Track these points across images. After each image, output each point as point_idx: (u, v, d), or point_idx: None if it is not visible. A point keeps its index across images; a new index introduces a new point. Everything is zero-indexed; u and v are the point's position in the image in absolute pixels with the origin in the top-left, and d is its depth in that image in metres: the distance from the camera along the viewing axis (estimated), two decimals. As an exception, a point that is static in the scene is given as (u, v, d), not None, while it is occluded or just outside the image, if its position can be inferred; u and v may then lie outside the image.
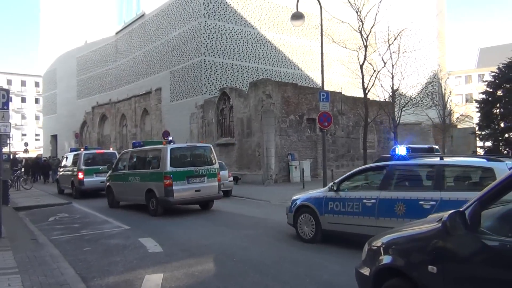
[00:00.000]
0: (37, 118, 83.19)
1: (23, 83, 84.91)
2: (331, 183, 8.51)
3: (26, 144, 45.32)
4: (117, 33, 43.04)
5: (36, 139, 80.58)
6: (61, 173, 21.96)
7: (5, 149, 23.21)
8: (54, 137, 55.41)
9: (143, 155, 14.43)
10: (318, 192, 8.76)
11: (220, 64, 31.18)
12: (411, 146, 7.47)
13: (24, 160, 37.30)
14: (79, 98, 49.59)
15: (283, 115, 24.42)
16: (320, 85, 18.90)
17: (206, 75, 30.47)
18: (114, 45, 43.50)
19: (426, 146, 7.46)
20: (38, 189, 23.91)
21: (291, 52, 36.12)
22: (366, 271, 4.36)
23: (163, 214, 12.92)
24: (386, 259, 4.11)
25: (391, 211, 7.07)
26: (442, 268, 3.52)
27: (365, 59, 21.71)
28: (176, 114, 32.82)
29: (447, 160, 7.08)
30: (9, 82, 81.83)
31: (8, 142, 20.56)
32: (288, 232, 9.73)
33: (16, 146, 72.61)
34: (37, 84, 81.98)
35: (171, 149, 13.00)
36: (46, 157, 41.80)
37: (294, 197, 9.33)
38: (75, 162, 19.80)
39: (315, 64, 36.31)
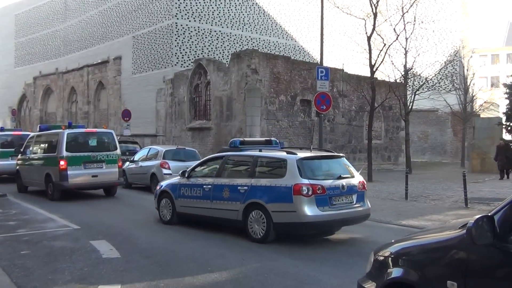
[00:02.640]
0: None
1: None
2: (183, 170, 11.44)
3: (-51, 121, 44.47)
4: (67, -14, 42.27)
5: (-38, 115, 78.97)
6: None
7: None
8: (-15, 114, 54.48)
9: (44, 139, 16.97)
10: (175, 179, 11.66)
11: (195, 30, 30.90)
12: (246, 139, 12.18)
13: None
14: (17, 66, 48.71)
15: (271, 95, 24.39)
16: (318, 59, 18.90)
17: (177, 43, 30.19)
18: (63, 1, 42.72)
19: (263, 139, 12.04)
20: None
21: (283, 18, 35.99)
22: (371, 286, 4.40)
23: (105, 210, 12.89)
24: (395, 272, 4.15)
25: (220, 195, 9.99)
26: (463, 284, 3.56)
27: (373, 29, 21.76)
28: (140, 90, 32.52)
29: (262, 152, 10.09)
30: None
31: None
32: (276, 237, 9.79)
33: None
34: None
35: (68, 133, 15.51)
36: None
37: (160, 183, 12.23)
38: None
39: (313, 34, 36.28)
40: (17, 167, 18.34)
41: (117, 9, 35.68)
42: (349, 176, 9.56)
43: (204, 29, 31.31)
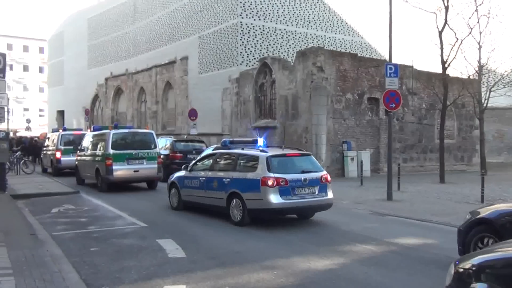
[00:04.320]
0: (41, 90, 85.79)
1: (26, 49, 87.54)
2: (186, 164, 13.89)
3: (28, 121, 46.86)
4: (136, -12, 43.41)
5: (40, 115, 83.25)
6: (44, 153, 27.53)
7: (2, 125, 24.19)
8: (61, 113, 56.98)
9: (96, 138, 19.42)
10: (182, 172, 13.68)
11: (260, 28, 30.87)
12: (235, 139, 14.58)
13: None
14: (90, 68, 50.62)
15: (338, 93, 24.01)
16: (386, 56, 18.38)
17: (242, 42, 30.27)
18: (132, 4, 43.94)
19: (251, 139, 13.75)
20: (42, 175, 24.74)
21: (349, 15, 35.32)
22: (451, 300, 4.08)
23: (184, 211, 13.16)
24: (479, 287, 3.81)
25: (211, 186, 12.12)
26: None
27: (445, 23, 21.00)
28: (206, 89, 32.88)
29: (242, 150, 12.03)
30: (9, 46, 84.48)
31: (6, 117, 21.32)
32: (342, 240, 9.51)
33: (18, 123, 75.44)
34: (41, 50, 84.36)
35: (113, 133, 18.03)
36: (37, 137, 43.00)
37: (171, 175, 14.40)
38: (55, 142, 25.08)
39: (380, 30, 35.40)
40: (76, 162, 21.02)
41: (183, 10, 36.25)
42: (313, 170, 11.38)
43: (269, 27, 31.22)
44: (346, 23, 35.29)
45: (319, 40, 33.23)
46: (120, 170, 17.64)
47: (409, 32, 32.43)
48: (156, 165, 18.34)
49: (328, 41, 33.80)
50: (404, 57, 31.81)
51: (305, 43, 32.25)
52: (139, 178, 18.58)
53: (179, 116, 36.07)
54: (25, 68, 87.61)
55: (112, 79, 46.45)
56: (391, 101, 15.89)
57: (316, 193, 11.11)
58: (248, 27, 30.42)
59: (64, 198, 16.10)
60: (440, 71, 22.31)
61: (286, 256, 8.31)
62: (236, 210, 11.21)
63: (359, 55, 28.01)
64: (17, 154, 25.98)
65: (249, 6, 30.49)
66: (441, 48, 21.20)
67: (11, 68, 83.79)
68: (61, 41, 56.77)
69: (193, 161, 13.91)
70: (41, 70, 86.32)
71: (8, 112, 25.90)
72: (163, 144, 23.02)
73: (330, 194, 11.45)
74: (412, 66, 27.01)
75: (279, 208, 10.74)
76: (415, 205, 14.52)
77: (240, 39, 30.21)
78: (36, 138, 40.26)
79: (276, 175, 10.68)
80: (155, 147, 18.60)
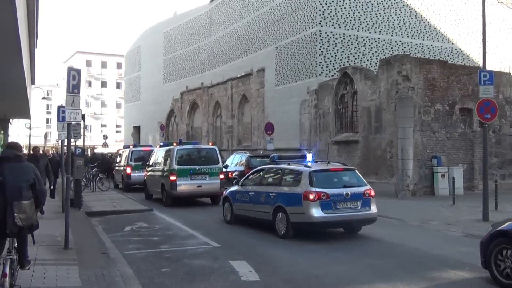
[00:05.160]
0: (118, 106, 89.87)
1: (104, 65, 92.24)
2: (237, 180, 15.48)
3: (105, 137, 49.04)
4: (212, 1, 44.50)
5: (117, 131, 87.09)
6: (116, 169, 29.72)
7: (79, 142, 25.27)
8: (137, 129, 59.21)
9: (162, 154, 20.75)
10: (234, 187, 14.88)
11: (340, 37, 30.59)
12: (284, 155, 16.36)
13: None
14: (166, 82, 52.30)
15: (426, 104, 23.22)
16: (480, 63, 17.61)
17: (322, 51, 30.11)
18: (208, 16, 45.09)
19: (300, 154, 14.86)
20: (116, 191, 25.64)
21: (438, 19, 34.28)
22: None
23: (256, 229, 13.11)
24: None
25: (259, 200, 13.14)
26: None
27: (549, 24, 19.80)
28: (283, 102, 32.94)
29: (288, 166, 13.08)
30: (88, 63, 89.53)
31: (82, 133, 22.34)
32: (432, 265, 9.04)
33: (95, 139, 79.26)
34: (119, 66, 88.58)
35: (177, 149, 19.25)
36: (111, 153, 44.77)
37: (225, 190, 15.75)
38: (125, 158, 26.78)
39: (473, 35, 34.06)
40: (145, 178, 22.49)
41: (260, 21, 36.68)
42: (356, 185, 12.13)
43: (350, 35, 30.88)
44: (435, 29, 34.25)
45: (404, 47, 32.45)
46: (184, 185, 18.76)
47: (506, 36, 30.95)
48: (218, 181, 19.33)
49: (415, 48, 32.93)
50: (501, 64, 30.40)
51: (389, 51, 31.60)
52: (202, 193, 19.64)
53: (255, 130, 36.35)
54: (103, 84, 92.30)
55: (188, 94, 47.68)
56: (486, 111, 15.15)
57: (359, 207, 11.82)
58: (327, 35, 30.25)
59: (137, 216, 16.54)
60: (543, 77, 21.07)
61: (368, 282, 8.02)
62: (280, 224, 12.09)
63: (449, 62, 27.05)
64: (92, 171, 26.95)
65: (328, 13, 30.33)
66: (544, 52, 20.04)
67: (89, 85, 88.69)
68: (138, 55, 59.19)
69: (244, 176, 15.03)
70: (118, 85, 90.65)
71: (85, 128, 27.13)
72: (238, 160, 23.20)
73: (373, 209, 12.12)
74: (510, 73, 25.75)
75: (320, 221, 11.47)
76: (516, 228, 13.62)
77: (319, 49, 30.08)
78: (110, 154, 42.03)
79: (318, 189, 11.48)
80: (218, 162, 19.70)
